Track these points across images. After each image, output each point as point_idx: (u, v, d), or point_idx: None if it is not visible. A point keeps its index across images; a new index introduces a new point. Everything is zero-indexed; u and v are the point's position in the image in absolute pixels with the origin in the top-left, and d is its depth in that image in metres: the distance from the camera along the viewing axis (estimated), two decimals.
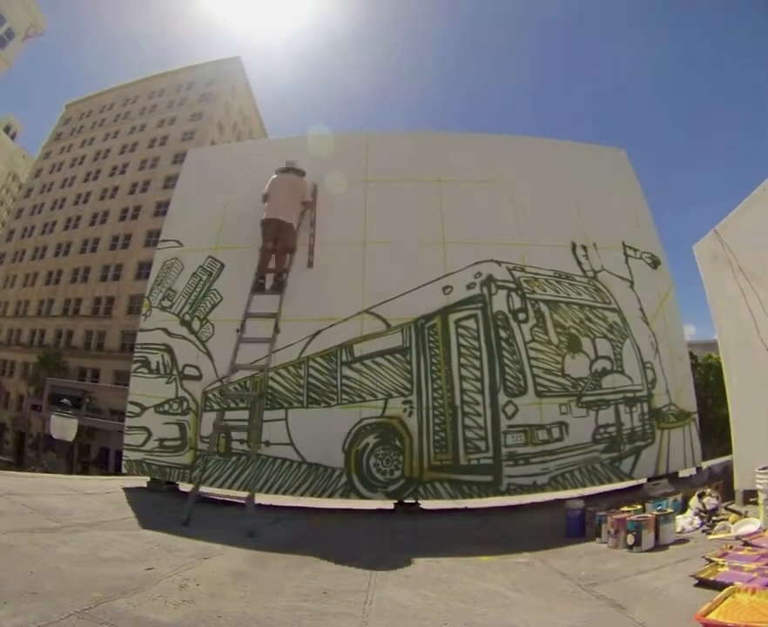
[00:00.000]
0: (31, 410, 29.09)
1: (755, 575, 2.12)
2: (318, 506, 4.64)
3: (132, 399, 5.40)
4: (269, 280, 5.18)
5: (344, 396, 4.82)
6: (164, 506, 4.50)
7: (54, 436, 21.55)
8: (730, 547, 2.63)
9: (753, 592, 1.88)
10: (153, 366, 5.38)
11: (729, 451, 4.84)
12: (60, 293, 35.17)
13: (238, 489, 4.80)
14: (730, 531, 3.01)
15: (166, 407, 5.19)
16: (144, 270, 28.87)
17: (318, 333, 5.00)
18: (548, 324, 4.99)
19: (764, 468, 3.07)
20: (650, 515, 3.04)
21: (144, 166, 36.26)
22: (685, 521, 3.32)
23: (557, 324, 5.00)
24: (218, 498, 4.63)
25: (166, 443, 5.10)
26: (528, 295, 5.11)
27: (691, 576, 2.22)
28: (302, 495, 4.67)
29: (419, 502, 4.58)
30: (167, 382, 5.26)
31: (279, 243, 5.11)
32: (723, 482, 4.36)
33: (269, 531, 3.80)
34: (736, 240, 4.22)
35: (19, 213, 41.00)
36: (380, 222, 5.41)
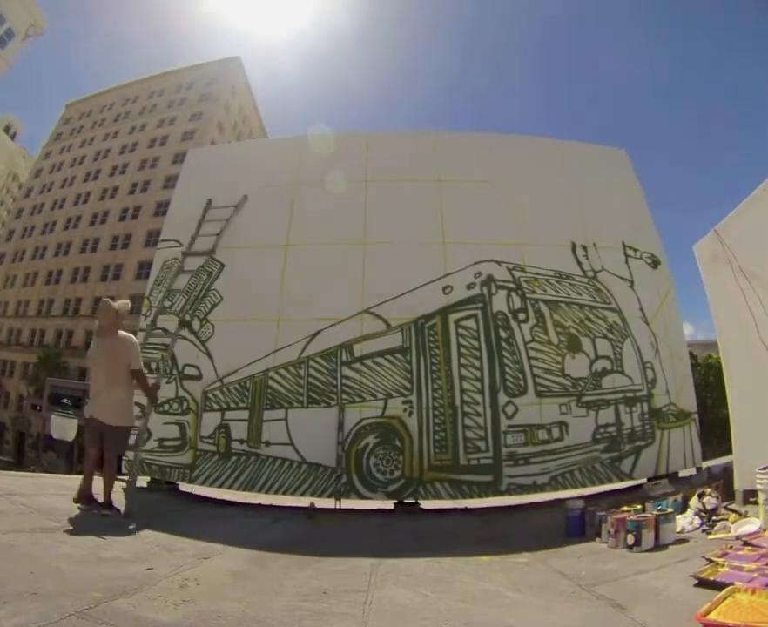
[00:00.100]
0: (31, 410, 29.09)
1: (755, 575, 2.12)
2: (318, 506, 4.64)
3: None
4: None
5: (344, 396, 4.83)
6: (164, 506, 4.50)
7: (54, 436, 21.52)
8: (730, 547, 2.63)
9: (753, 592, 1.88)
10: (153, 366, 5.37)
11: (729, 451, 4.84)
12: (60, 292, 35.18)
13: (238, 489, 4.81)
14: (730, 531, 3.01)
15: (166, 406, 5.19)
16: (144, 270, 28.88)
17: (318, 333, 5.00)
18: (548, 324, 4.99)
19: (764, 468, 3.07)
20: (650, 515, 3.04)
21: (144, 166, 36.27)
22: (685, 521, 3.32)
23: (557, 324, 5.00)
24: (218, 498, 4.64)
25: (166, 443, 5.10)
26: (528, 295, 5.11)
27: (691, 576, 2.22)
28: (302, 495, 4.67)
29: (419, 501, 4.58)
30: (167, 382, 5.26)
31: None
32: (723, 481, 4.36)
33: (269, 531, 3.81)
34: (736, 240, 4.21)
35: (19, 213, 41.01)
36: (380, 222, 5.41)
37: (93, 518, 3.54)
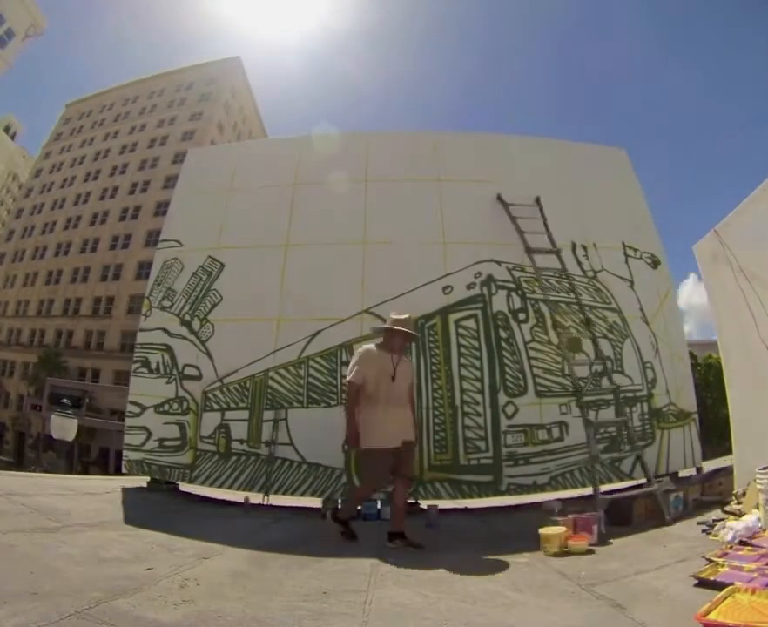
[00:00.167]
0: (31, 410, 29.13)
1: (755, 575, 2.12)
2: (318, 506, 4.64)
3: (132, 399, 5.41)
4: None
5: (344, 396, 4.82)
6: (164, 506, 4.51)
7: (54, 436, 21.58)
8: (730, 547, 2.64)
9: (753, 592, 1.88)
10: (153, 366, 5.39)
11: (729, 451, 4.84)
12: (60, 292, 35.21)
13: (238, 489, 4.81)
14: (730, 530, 3.01)
15: (166, 407, 5.19)
16: (144, 270, 28.91)
17: (318, 333, 5.00)
18: (548, 324, 4.99)
19: (765, 468, 3.07)
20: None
21: (144, 166, 36.30)
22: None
23: (557, 324, 5.00)
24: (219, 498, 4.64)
25: (166, 443, 5.10)
26: (528, 295, 5.11)
27: (691, 576, 2.22)
28: (302, 495, 4.67)
29: (419, 501, 4.58)
30: (167, 382, 5.26)
31: None
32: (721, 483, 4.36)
33: (269, 531, 3.81)
34: (736, 240, 4.21)
35: (19, 213, 41.03)
36: (380, 222, 5.41)
37: (93, 518, 3.54)
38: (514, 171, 5.72)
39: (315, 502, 4.62)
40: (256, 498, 4.78)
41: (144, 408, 5.28)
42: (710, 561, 2.40)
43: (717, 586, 2.03)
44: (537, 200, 5.43)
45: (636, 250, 5.64)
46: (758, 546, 2.57)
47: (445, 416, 4.74)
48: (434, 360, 4.88)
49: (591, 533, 3.14)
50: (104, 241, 34.84)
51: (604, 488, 4.79)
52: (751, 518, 3.01)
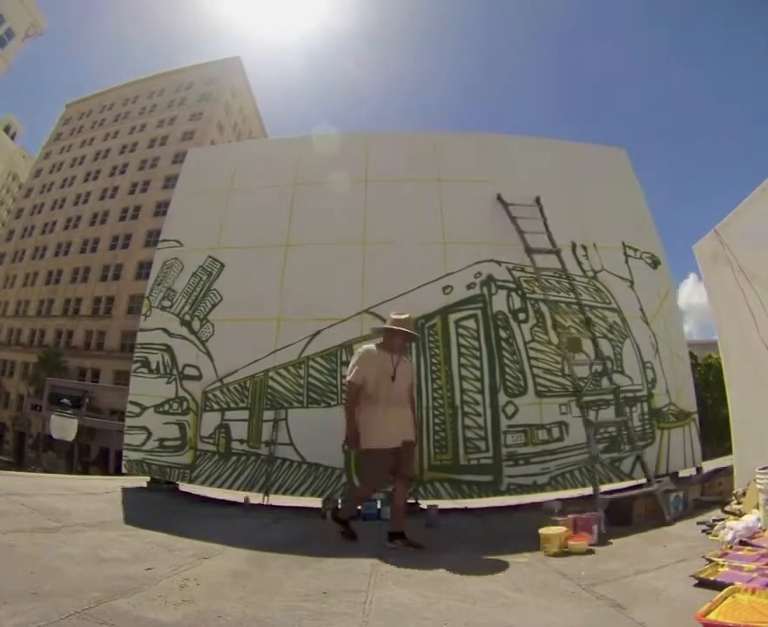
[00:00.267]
0: (31, 410, 29.14)
1: (755, 575, 2.12)
2: (318, 506, 4.64)
3: (132, 399, 5.41)
4: None
5: (344, 396, 4.82)
6: (164, 506, 4.51)
7: (54, 436, 21.58)
8: (730, 547, 2.64)
9: (753, 592, 1.88)
10: (153, 366, 5.39)
11: (729, 451, 4.84)
12: (60, 292, 35.22)
13: (238, 489, 4.81)
14: (730, 530, 3.01)
15: (166, 407, 5.19)
16: (144, 270, 28.91)
17: (318, 333, 5.00)
18: (548, 324, 4.99)
19: (765, 469, 3.07)
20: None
21: (144, 166, 36.30)
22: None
23: (557, 324, 5.00)
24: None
25: (166, 443, 5.10)
26: (528, 295, 5.11)
27: (691, 576, 2.22)
28: (302, 495, 4.67)
29: (418, 502, 4.58)
30: (167, 382, 5.27)
31: None
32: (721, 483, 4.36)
33: (269, 531, 3.81)
34: (736, 240, 4.22)
35: (19, 213, 41.04)
36: (380, 222, 5.41)
37: (93, 518, 3.54)
38: (514, 171, 5.72)
39: (315, 502, 4.62)
40: (256, 498, 4.78)
41: (144, 408, 5.29)
42: (710, 561, 2.40)
43: (717, 586, 2.03)
44: (537, 200, 5.43)
45: (636, 250, 5.64)
46: (758, 546, 2.57)
47: (445, 416, 4.74)
48: (434, 361, 4.88)
49: (591, 533, 3.14)
50: (104, 241, 34.84)
51: (604, 488, 4.79)
52: (750, 518, 3.01)
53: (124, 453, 5.30)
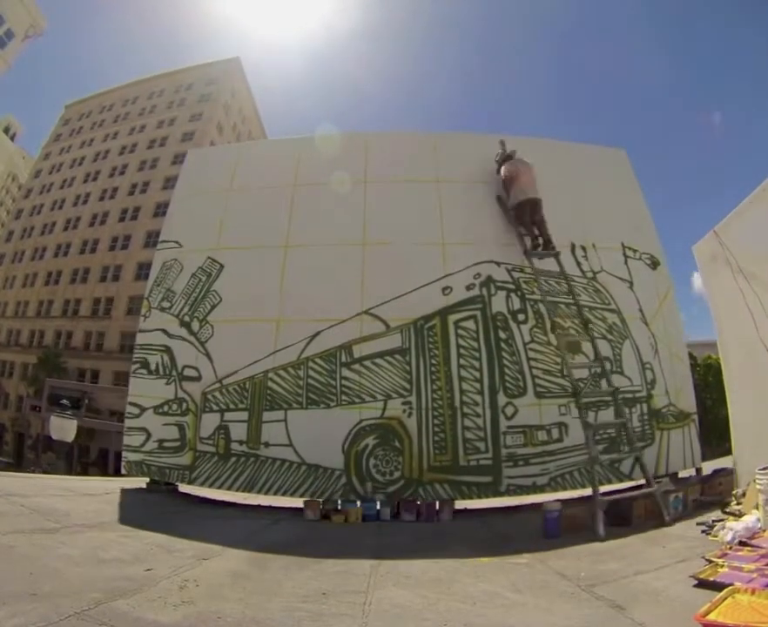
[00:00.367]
0: (31, 411, 29.05)
1: (754, 575, 2.12)
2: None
3: (132, 400, 5.40)
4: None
5: (343, 397, 4.83)
6: (163, 507, 4.50)
7: (53, 437, 21.51)
8: (730, 547, 2.64)
9: (753, 592, 1.88)
10: (153, 367, 5.38)
11: (729, 452, 4.84)
12: (59, 293, 35.13)
13: (237, 490, 4.80)
14: (729, 531, 3.01)
15: (166, 408, 5.19)
16: (143, 271, 28.84)
17: (317, 333, 5.00)
18: (547, 325, 4.99)
19: (764, 469, 3.07)
20: None
21: (143, 167, 36.24)
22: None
23: (557, 325, 4.99)
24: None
25: (166, 444, 5.09)
26: (527, 296, 5.11)
27: (691, 576, 2.22)
28: (302, 496, 4.67)
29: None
30: (166, 383, 5.26)
31: (536, 215, 5.26)
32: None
33: (269, 532, 3.80)
34: (736, 240, 4.22)
35: (19, 214, 40.98)
36: (379, 223, 5.41)
37: (92, 519, 3.54)
38: None
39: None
40: (256, 499, 4.78)
41: (143, 409, 5.28)
42: (710, 561, 2.40)
43: (717, 586, 2.03)
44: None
45: (635, 251, 5.64)
46: (758, 546, 2.57)
47: (444, 417, 4.74)
48: (433, 362, 4.88)
49: None
50: (103, 242, 34.76)
51: (604, 489, 4.79)
52: (750, 519, 3.02)
53: (124, 454, 5.29)
